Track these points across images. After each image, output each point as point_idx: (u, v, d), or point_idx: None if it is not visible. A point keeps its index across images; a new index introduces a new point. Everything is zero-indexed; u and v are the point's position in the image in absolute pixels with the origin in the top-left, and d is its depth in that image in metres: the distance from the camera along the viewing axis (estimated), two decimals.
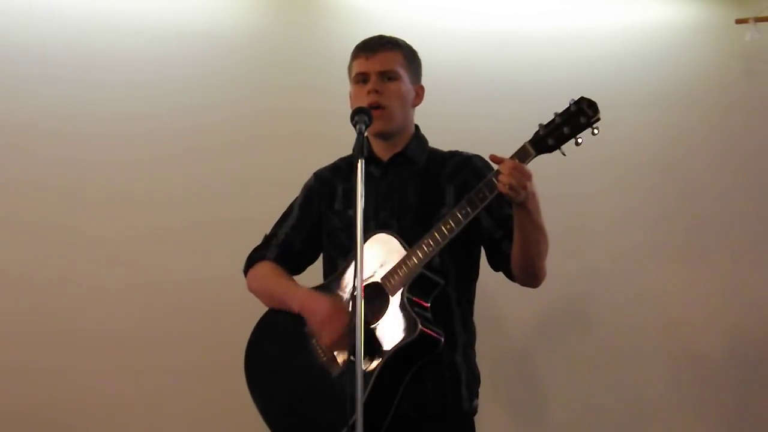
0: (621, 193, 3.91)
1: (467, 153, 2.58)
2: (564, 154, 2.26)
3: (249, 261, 2.70)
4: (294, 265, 2.66)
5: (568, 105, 2.24)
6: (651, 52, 3.98)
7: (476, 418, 2.53)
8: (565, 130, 2.23)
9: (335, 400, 2.31)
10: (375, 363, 2.33)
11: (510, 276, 2.50)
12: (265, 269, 2.65)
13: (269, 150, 3.77)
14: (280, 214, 2.71)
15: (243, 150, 3.77)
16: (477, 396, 2.51)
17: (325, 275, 2.60)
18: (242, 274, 2.71)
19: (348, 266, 2.47)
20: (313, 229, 2.64)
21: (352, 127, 2.26)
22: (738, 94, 3.96)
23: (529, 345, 3.88)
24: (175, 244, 3.70)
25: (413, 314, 2.33)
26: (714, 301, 3.88)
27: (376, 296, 2.37)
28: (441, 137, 2.65)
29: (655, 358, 3.85)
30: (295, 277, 2.64)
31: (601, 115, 2.22)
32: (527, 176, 2.25)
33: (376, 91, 2.50)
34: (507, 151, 2.29)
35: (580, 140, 2.24)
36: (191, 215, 3.71)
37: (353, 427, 2.04)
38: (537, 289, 2.51)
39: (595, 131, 2.22)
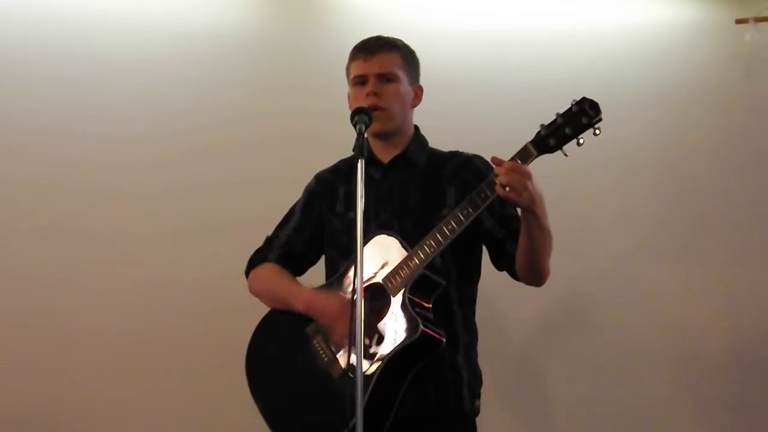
0: (621, 193, 3.92)
1: (468, 153, 2.58)
2: (566, 155, 2.25)
3: (250, 263, 2.69)
4: (295, 266, 2.65)
5: (569, 105, 2.23)
6: (651, 52, 3.98)
7: (478, 419, 2.54)
8: (567, 130, 2.22)
9: (336, 401, 2.30)
10: (376, 364, 2.32)
11: (514, 276, 2.49)
12: (268, 270, 2.64)
13: (270, 150, 3.77)
14: (282, 215, 2.71)
15: (243, 150, 3.76)
16: (479, 396, 2.52)
17: (327, 277, 2.59)
18: (243, 275, 2.71)
19: (349, 267, 2.47)
20: (314, 231, 2.64)
21: (352, 128, 2.26)
22: (738, 94, 3.96)
23: (531, 345, 3.88)
24: (176, 244, 3.70)
25: (415, 315, 2.32)
26: (715, 301, 3.88)
27: (377, 297, 2.37)
28: (441, 137, 2.64)
29: (655, 358, 3.85)
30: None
31: (602, 115, 2.21)
32: (526, 176, 2.24)
33: (375, 94, 2.49)
34: (508, 151, 2.29)
35: (581, 141, 2.23)
36: (191, 215, 3.71)
37: (354, 428, 2.04)
38: (538, 289, 2.50)
39: (597, 132, 2.21)
